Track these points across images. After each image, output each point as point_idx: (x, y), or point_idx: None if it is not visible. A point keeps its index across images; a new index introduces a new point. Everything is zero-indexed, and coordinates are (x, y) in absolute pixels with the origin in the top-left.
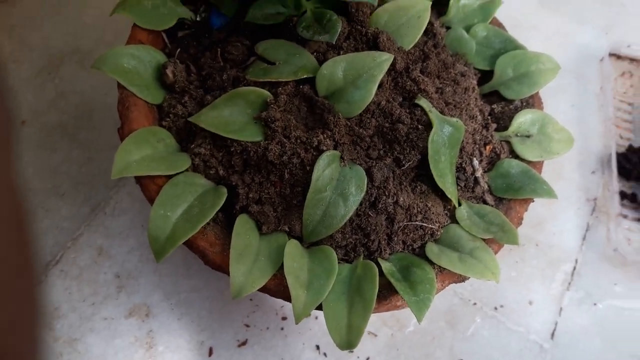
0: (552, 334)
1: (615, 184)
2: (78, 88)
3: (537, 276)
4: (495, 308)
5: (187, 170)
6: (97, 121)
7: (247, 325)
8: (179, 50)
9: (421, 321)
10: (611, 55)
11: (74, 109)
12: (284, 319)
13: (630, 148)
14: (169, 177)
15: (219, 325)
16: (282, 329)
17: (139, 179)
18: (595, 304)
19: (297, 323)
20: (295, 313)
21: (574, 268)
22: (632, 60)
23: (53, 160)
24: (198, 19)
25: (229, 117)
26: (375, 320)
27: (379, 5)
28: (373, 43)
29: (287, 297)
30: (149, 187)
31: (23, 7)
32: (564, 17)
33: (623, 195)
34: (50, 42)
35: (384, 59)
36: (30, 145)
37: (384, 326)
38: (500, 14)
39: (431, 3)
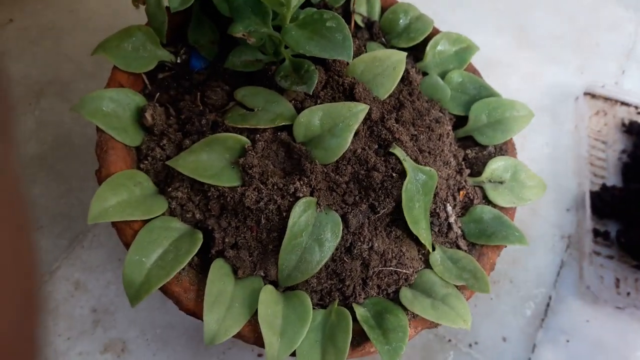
0: None
1: (589, 222)
2: (58, 119)
3: (511, 313)
4: (470, 345)
5: (163, 214)
6: (76, 152)
7: None
8: (158, 92)
9: None
10: (586, 94)
11: (54, 139)
12: (259, 355)
13: (604, 187)
14: (145, 221)
15: None
16: None
17: (115, 224)
18: (567, 341)
19: None
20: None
21: (548, 305)
22: (606, 99)
23: (31, 191)
24: (178, 61)
25: (207, 162)
26: None
27: (356, 55)
28: (349, 93)
29: (261, 344)
30: (125, 231)
31: (3, 38)
32: (541, 57)
33: (596, 233)
34: (31, 73)
35: (360, 110)
36: None
37: None
38: (479, 53)
39: (405, 50)
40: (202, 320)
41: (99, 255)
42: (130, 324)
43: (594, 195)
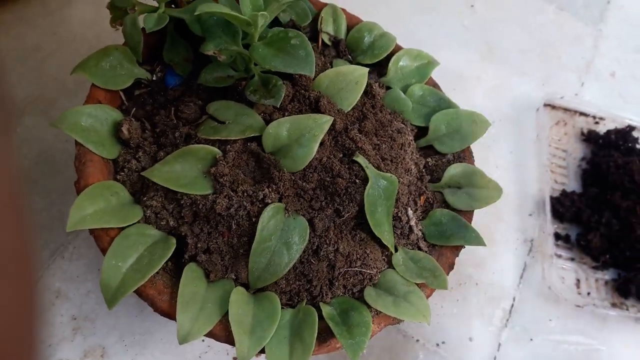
0: None
1: (550, 226)
2: (40, 135)
3: (477, 314)
4: (437, 344)
5: (139, 221)
6: (58, 167)
7: None
8: (135, 108)
9: None
10: (546, 105)
11: (36, 155)
12: (235, 358)
13: (564, 192)
14: (122, 228)
15: None
16: None
17: (92, 231)
18: (531, 339)
19: None
20: (239, 357)
21: (512, 305)
22: (565, 110)
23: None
24: (154, 78)
25: (180, 172)
26: (323, 358)
27: (322, 70)
28: (315, 105)
29: (233, 342)
30: (102, 238)
31: None
32: (505, 70)
33: (557, 236)
34: (15, 92)
35: (324, 121)
36: None
37: None
38: (446, 68)
39: (370, 67)
40: (175, 320)
41: (80, 266)
42: (110, 330)
43: (554, 201)
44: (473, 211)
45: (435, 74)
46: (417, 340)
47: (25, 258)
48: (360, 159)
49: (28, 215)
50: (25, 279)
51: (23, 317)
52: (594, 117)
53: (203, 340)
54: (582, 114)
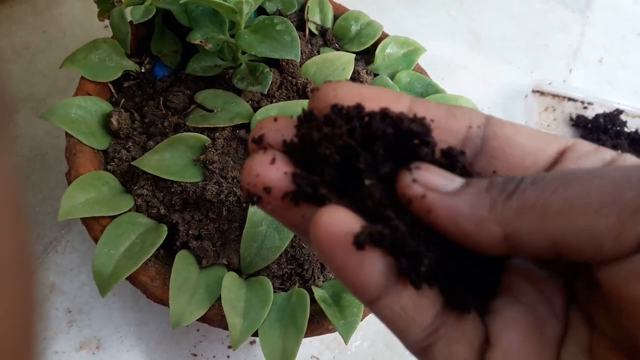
0: None
1: None
2: (32, 132)
3: None
4: None
5: (130, 210)
6: (50, 163)
7: (195, 355)
8: (124, 99)
9: (347, 341)
10: (535, 92)
11: (28, 152)
12: (229, 347)
13: None
14: (113, 217)
15: (167, 355)
16: (228, 357)
17: (84, 220)
18: None
19: (234, 349)
20: (232, 339)
21: None
22: (554, 96)
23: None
24: (143, 70)
25: (170, 161)
26: (319, 344)
27: (309, 58)
28: (302, 92)
29: (226, 326)
30: (94, 227)
31: None
32: (492, 58)
33: None
34: (9, 91)
35: None
36: None
37: (327, 349)
38: (432, 55)
39: (358, 55)
40: (168, 306)
41: (73, 259)
42: (105, 322)
43: None
44: None
45: (423, 64)
46: None
47: (26, 254)
48: None
49: (25, 211)
50: (27, 275)
51: (24, 313)
52: (583, 102)
53: (198, 330)
54: (570, 99)
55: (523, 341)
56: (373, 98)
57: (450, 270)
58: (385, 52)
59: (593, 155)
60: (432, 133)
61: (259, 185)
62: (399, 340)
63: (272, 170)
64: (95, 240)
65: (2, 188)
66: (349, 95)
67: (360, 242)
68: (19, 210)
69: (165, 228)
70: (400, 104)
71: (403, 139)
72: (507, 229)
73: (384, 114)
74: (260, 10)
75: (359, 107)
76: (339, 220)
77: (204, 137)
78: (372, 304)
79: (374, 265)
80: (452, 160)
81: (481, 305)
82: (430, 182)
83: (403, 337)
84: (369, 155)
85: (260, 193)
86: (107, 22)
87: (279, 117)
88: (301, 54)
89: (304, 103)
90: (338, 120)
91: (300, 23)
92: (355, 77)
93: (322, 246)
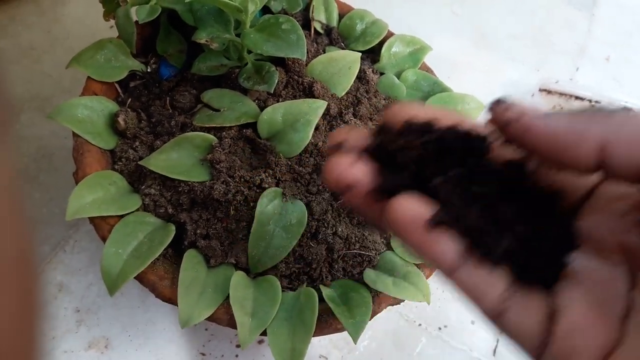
0: (494, 351)
1: None
2: (38, 133)
3: None
4: (440, 328)
5: (137, 210)
6: (57, 163)
7: (203, 354)
8: (130, 99)
9: (356, 341)
10: (541, 90)
11: (34, 152)
12: (238, 346)
13: None
14: (121, 217)
15: (176, 355)
16: (236, 356)
17: (92, 220)
18: None
19: (243, 348)
20: (241, 339)
21: None
22: (561, 94)
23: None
24: (149, 70)
25: (177, 160)
26: (327, 344)
27: (315, 57)
28: (309, 91)
29: (234, 325)
30: (102, 226)
31: None
32: (498, 56)
33: None
34: (11, 91)
35: (319, 105)
36: None
37: (335, 349)
38: (440, 55)
39: (363, 53)
40: (177, 305)
41: (81, 259)
42: (113, 321)
43: None
44: None
45: (428, 62)
46: (419, 325)
47: (28, 256)
48: None
49: (28, 213)
50: (28, 276)
51: (25, 314)
52: (590, 101)
53: (206, 329)
54: (577, 97)
55: (588, 311)
56: (440, 116)
57: (520, 251)
58: (391, 51)
59: None
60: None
61: (345, 182)
62: (475, 307)
63: (355, 170)
64: (103, 239)
65: (2, 189)
66: (417, 112)
67: (434, 223)
68: (21, 211)
69: (173, 227)
70: (463, 123)
71: (468, 151)
72: (606, 138)
73: (453, 130)
74: (265, 9)
75: (429, 123)
76: (412, 204)
77: (210, 136)
78: (449, 276)
79: (447, 245)
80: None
81: (549, 282)
82: (525, 109)
83: (478, 305)
84: (439, 162)
85: (346, 189)
86: (111, 22)
87: (351, 128)
88: (307, 53)
89: (310, 102)
90: (411, 134)
91: (306, 22)
92: (361, 76)
93: (397, 227)
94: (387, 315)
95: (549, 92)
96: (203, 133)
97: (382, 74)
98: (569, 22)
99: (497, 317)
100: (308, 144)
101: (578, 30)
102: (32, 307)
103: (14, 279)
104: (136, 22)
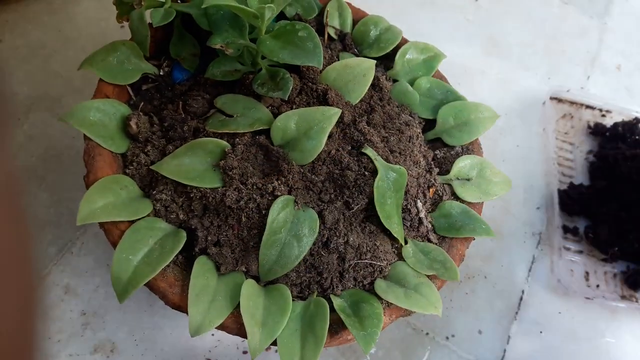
0: None
1: (558, 218)
2: (47, 132)
3: (486, 307)
4: (447, 337)
5: (148, 215)
6: (65, 163)
7: None
8: (142, 102)
9: (367, 353)
10: (552, 99)
11: (43, 152)
12: (244, 352)
13: (572, 185)
14: (132, 222)
15: None
16: None
17: (102, 225)
18: (541, 332)
19: (253, 359)
20: (251, 349)
21: (521, 298)
22: (572, 103)
23: (22, 202)
24: (161, 73)
25: (189, 166)
26: (334, 352)
27: (329, 64)
28: (323, 98)
29: (244, 334)
30: (112, 232)
31: None
32: (510, 64)
33: (566, 229)
34: (21, 90)
35: (333, 113)
36: None
37: (342, 357)
38: (452, 62)
39: (378, 60)
40: (187, 313)
41: (88, 261)
42: (119, 325)
43: (562, 194)
44: (482, 203)
45: (440, 68)
46: (427, 334)
47: (25, 259)
48: (369, 151)
49: (30, 215)
50: (26, 279)
51: (23, 316)
52: (601, 110)
53: (213, 335)
54: (588, 107)
55: None
56: None
57: None
58: (405, 58)
59: None
60: None
61: None
62: None
63: None
64: (114, 245)
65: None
66: None
67: None
68: (19, 214)
69: (184, 234)
70: None
71: None
72: None
73: None
74: (280, 15)
75: None
76: None
77: (223, 142)
78: None
79: None
80: None
81: None
82: None
83: None
84: None
85: None
86: (123, 22)
87: None
88: None
89: (324, 109)
90: None
91: (319, 27)
92: (374, 83)
93: None
94: (394, 324)
95: (559, 100)
96: (216, 139)
97: (395, 81)
98: (581, 30)
99: None
100: (321, 152)
101: (590, 39)
102: (32, 309)
103: (14, 281)
104: (150, 24)
